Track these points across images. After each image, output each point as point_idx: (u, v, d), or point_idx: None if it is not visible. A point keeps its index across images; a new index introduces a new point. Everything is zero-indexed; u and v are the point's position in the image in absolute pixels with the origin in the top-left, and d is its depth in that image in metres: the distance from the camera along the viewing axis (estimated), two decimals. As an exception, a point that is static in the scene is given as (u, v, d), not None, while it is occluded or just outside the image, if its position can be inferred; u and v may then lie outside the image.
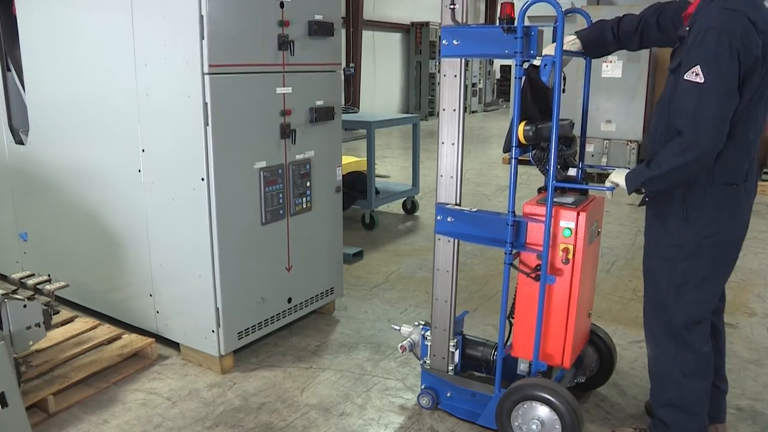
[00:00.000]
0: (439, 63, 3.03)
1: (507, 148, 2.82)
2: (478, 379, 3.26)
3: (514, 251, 2.85)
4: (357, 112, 8.32)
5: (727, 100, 2.35)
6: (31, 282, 3.40)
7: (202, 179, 3.36)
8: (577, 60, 3.09)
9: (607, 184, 2.72)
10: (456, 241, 3.07)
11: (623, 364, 3.77)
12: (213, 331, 3.55)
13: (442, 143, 3.02)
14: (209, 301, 3.52)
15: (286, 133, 3.69)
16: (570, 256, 2.78)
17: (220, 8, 3.23)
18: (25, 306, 3.03)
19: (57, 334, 3.73)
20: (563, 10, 2.61)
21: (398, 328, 3.45)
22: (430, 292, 3.30)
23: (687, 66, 2.38)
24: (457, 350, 3.21)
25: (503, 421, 2.91)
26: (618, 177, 2.67)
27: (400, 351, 3.32)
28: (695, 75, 2.34)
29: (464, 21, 2.86)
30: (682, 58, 2.44)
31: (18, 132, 4.43)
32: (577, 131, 3.09)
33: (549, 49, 2.69)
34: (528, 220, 2.82)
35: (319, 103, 3.90)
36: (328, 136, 4.04)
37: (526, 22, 2.62)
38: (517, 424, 2.89)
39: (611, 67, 9.01)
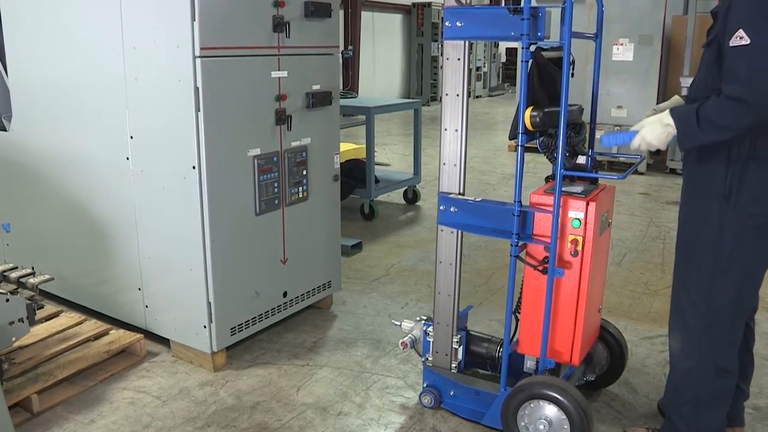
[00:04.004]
0: (442, 46, 3.02)
1: (513, 135, 2.81)
2: (482, 377, 3.25)
3: (521, 243, 2.84)
4: (356, 97, 8.30)
5: None
6: (14, 275, 3.40)
7: (194, 167, 3.35)
8: (587, 43, 3.07)
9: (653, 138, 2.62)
10: (459, 232, 3.07)
11: (635, 361, 3.78)
12: (205, 327, 3.55)
13: (445, 130, 3.01)
14: (201, 296, 3.52)
15: (282, 119, 3.68)
16: (579, 248, 2.78)
17: (212, -12, 3.22)
18: (7, 300, 3.03)
19: (41, 330, 3.73)
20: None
21: (399, 323, 3.45)
22: (432, 286, 3.30)
23: (729, 34, 2.36)
24: (461, 347, 3.21)
25: (509, 420, 2.91)
26: (654, 130, 2.60)
27: (401, 347, 3.32)
28: (739, 39, 2.32)
29: (468, 1, 2.85)
30: (719, 29, 2.43)
31: (0, 118, 4.41)
32: (586, 117, 3.08)
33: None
34: (535, 210, 2.82)
35: (316, 87, 3.89)
36: (325, 122, 4.03)
37: (533, 3, 2.61)
38: (523, 424, 2.89)
39: (622, 49, 8.99)
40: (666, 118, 2.56)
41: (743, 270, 2.59)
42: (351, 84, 15.91)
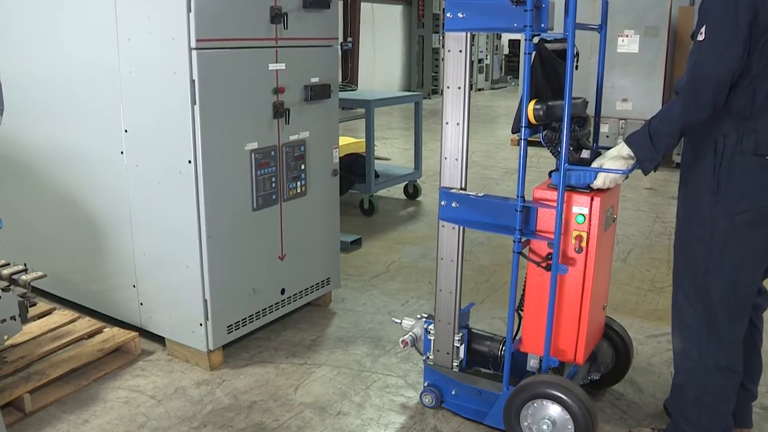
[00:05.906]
0: (443, 37, 3.01)
1: (516, 129, 2.80)
2: (484, 375, 3.25)
3: (524, 239, 2.84)
4: (355, 90, 8.30)
5: (724, 59, 2.40)
6: (6, 272, 3.40)
7: (190, 162, 3.35)
8: (591, 35, 3.07)
9: (620, 164, 2.72)
10: (461, 228, 3.06)
11: (640, 359, 3.78)
12: (201, 325, 3.55)
13: (447, 123, 3.00)
14: (197, 293, 3.52)
15: (280, 112, 3.67)
16: (583, 245, 2.77)
17: (208, -22, 3.21)
18: (-1, 298, 3.04)
19: (34, 328, 3.73)
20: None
21: (399, 321, 3.45)
22: (433, 283, 3.29)
23: (698, 29, 2.49)
24: (463, 345, 3.21)
25: (512, 420, 2.91)
26: (617, 162, 2.72)
27: (402, 346, 3.32)
28: (701, 35, 2.45)
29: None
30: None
31: (-9, 111, 4.41)
32: (590, 110, 3.07)
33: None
34: (538, 205, 2.81)
35: (315, 80, 3.88)
36: (324, 116, 4.02)
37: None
38: (526, 424, 2.89)
39: (627, 41, 8.98)
40: (624, 149, 2.69)
41: (736, 266, 2.60)
42: (350, 77, 15.90)
